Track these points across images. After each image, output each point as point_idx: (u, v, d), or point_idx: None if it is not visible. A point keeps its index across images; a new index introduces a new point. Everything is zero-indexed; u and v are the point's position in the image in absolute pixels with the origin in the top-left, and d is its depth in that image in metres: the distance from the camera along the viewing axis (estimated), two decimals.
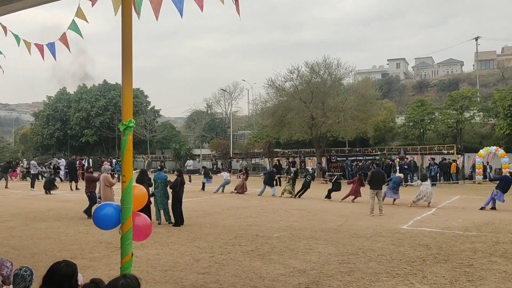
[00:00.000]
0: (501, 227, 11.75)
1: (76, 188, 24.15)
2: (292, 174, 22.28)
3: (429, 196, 16.37)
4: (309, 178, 20.30)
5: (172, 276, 7.18)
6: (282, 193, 20.46)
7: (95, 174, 14.91)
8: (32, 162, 28.11)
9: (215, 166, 45.60)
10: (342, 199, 18.15)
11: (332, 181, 19.99)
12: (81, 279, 3.48)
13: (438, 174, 28.82)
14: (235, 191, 21.66)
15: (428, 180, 17.41)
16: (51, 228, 11.82)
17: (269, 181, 21.34)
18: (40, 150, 54.28)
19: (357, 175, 19.24)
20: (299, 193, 20.00)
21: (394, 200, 17.29)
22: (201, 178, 25.19)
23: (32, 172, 27.02)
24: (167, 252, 8.93)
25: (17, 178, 33.28)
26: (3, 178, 26.48)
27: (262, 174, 24.86)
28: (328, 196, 19.08)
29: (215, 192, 21.84)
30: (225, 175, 23.32)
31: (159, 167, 14.86)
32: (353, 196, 18.02)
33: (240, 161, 43.01)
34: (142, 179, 12.07)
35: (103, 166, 13.92)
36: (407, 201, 17.10)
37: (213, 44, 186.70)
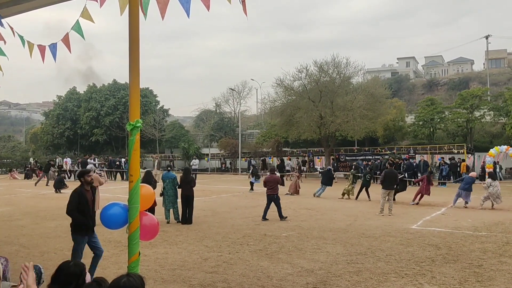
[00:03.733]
0: (511, 227, 11.64)
1: None
2: (353, 170, 21.03)
3: (498, 197, 15.38)
4: (369, 177, 19.18)
5: (180, 275, 7.21)
6: (343, 195, 19.13)
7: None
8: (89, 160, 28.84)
9: (224, 165, 45.68)
10: (414, 201, 16.87)
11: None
12: (89, 278, 3.50)
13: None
14: (289, 192, 20.67)
15: (497, 180, 16.11)
16: (60, 227, 11.90)
17: (328, 181, 20.16)
18: (50, 149, 54.69)
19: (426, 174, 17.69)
20: (359, 193, 18.90)
21: (466, 203, 16.01)
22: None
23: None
24: (175, 251, 8.97)
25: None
26: (45, 177, 27.73)
27: (319, 173, 23.98)
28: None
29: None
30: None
31: (168, 167, 14.89)
32: (420, 195, 16.87)
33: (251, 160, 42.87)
34: (148, 180, 12.11)
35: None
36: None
37: (222, 43, 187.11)
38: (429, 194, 16.92)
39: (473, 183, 16.41)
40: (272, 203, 13.19)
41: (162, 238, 9.96)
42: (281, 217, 13.07)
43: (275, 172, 14.51)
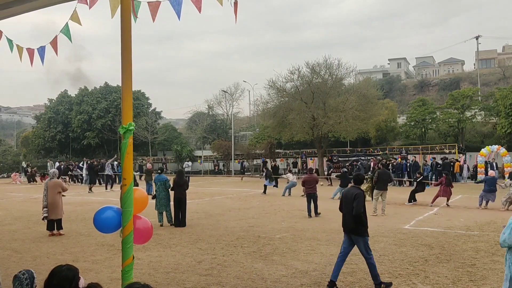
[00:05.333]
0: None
1: (90, 190, 23.79)
2: (370, 173, 20.62)
3: None
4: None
5: (174, 278, 7.18)
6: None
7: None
8: (107, 163, 28.27)
9: (217, 167, 45.63)
10: (432, 203, 16.61)
11: (417, 181, 18.45)
12: (83, 283, 3.47)
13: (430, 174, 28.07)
14: (304, 195, 20.45)
15: None
16: None
17: (346, 183, 19.47)
18: (42, 153, 54.33)
19: (444, 175, 17.55)
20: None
21: (487, 202, 15.93)
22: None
23: (106, 172, 27.18)
24: (169, 254, 8.94)
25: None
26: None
27: (335, 176, 23.81)
28: (413, 199, 17.48)
29: (282, 195, 20.69)
30: (290, 176, 21.75)
31: (159, 170, 14.83)
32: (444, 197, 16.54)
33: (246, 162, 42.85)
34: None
35: (51, 171, 13.26)
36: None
37: (215, 45, 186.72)
38: (449, 196, 16.67)
39: (495, 183, 16.29)
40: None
41: (155, 241, 9.92)
42: (316, 213, 14.07)
43: (313, 172, 15.48)
